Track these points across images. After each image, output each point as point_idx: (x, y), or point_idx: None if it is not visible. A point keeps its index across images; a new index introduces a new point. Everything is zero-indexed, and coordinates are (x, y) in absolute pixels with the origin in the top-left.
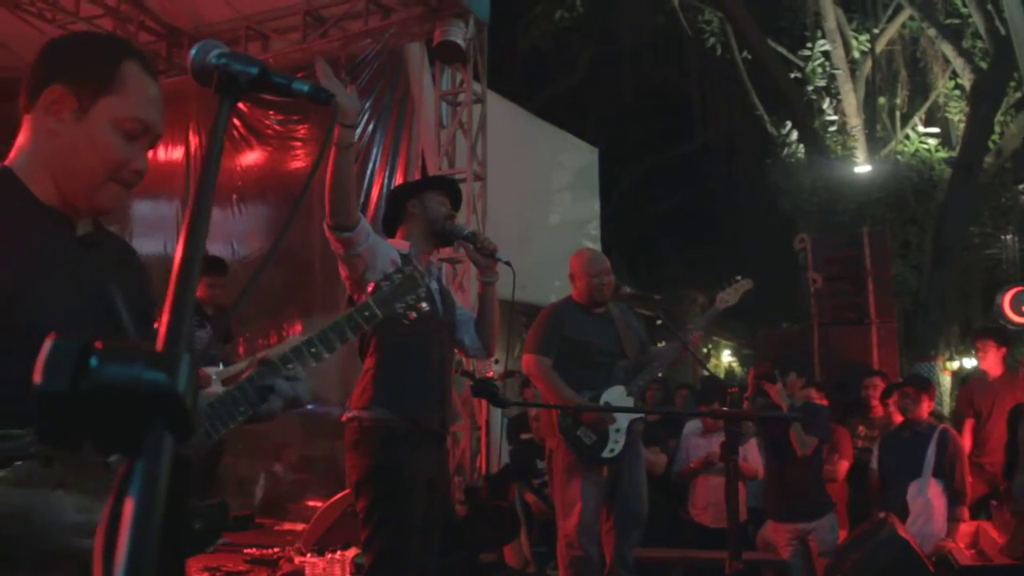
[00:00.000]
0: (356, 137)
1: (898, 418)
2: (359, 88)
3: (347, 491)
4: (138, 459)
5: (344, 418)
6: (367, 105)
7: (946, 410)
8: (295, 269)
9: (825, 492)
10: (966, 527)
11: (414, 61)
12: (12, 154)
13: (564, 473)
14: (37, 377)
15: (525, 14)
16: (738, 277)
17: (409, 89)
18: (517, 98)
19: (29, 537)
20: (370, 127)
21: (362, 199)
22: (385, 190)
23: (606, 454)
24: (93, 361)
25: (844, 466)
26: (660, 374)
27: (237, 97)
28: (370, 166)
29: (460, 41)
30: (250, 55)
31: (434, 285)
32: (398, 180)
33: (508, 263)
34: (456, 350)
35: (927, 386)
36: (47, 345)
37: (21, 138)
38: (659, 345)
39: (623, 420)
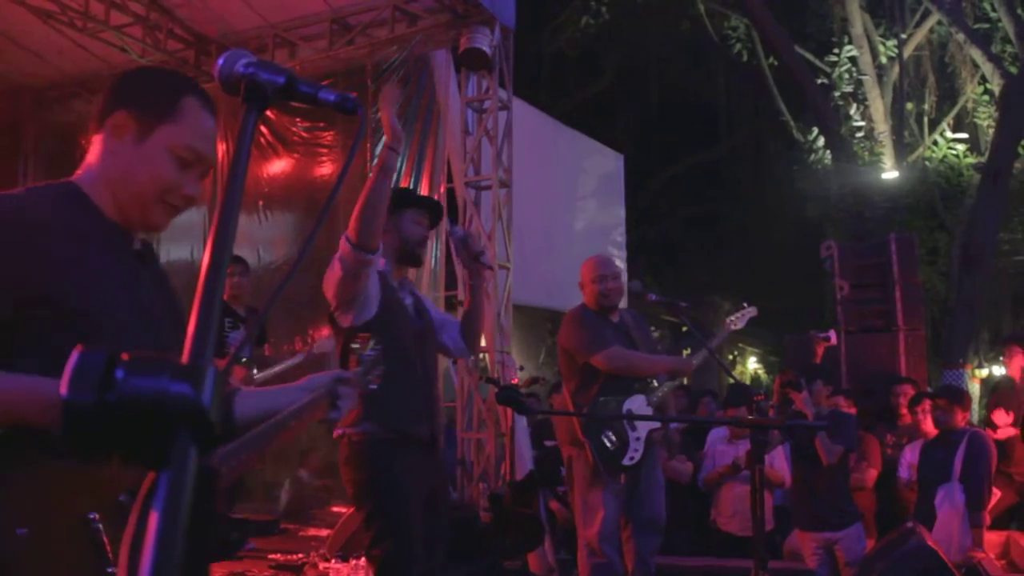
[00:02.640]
0: (381, 149)
1: (927, 426)
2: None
3: None
4: (163, 472)
5: (335, 435)
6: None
7: (975, 418)
8: (321, 275)
9: (852, 502)
10: (996, 537)
11: (440, 68)
12: (79, 171)
13: (584, 481)
14: (63, 389)
15: (551, 21)
16: (744, 304)
17: (435, 96)
18: (543, 105)
19: None
20: None
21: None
22: None
23: (626, 461)
24: (119, 373)
25: (872, 474)
26: (686, 381)
27: (264, 106)
28: (395, 174)
29: (486, 48)
30: (278, 64)
31: (408, 299)
32: (424, 187)
33: (490, 267)
34: (440, 355)
35: (960, 397)
36: (74, 357)
37: (89, 157)
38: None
39: (643, 429)
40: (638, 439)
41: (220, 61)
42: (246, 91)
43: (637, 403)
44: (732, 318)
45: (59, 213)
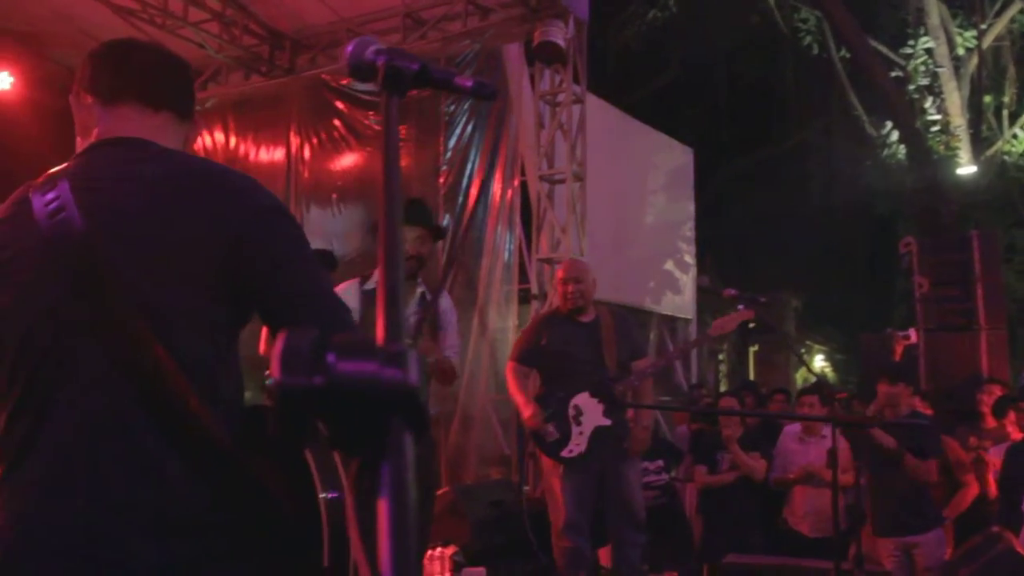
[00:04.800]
0: (454, 142)
1: (1013, 429)
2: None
3: (446, 488)
4: (386, 460)
5: None
6: (465, 107)
7: None
8: None
9: (933, 506)
10: None
11: (512, 62)
12: (157, 137)
13: (545, 474)
14: (275, 372)
15: (617, 14)
16: (740, 306)
17: (508, 90)
18: (610, 99)
19: None
20: (469, 127)
21: (460, 202)
22: (483, 193)
23: (564, 454)
24: (330, 356)
25: (973, 490)
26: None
27: (403, 93)
28: (468, 168)
29: (560, 41)
30: (407, 51)
31: (410, 311)
32: (497, 182)
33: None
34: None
35: None
36: (282, 339)
37: (176, 144)
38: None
39: (588, 425)
40: (581, 434)
41: (349, 48)
42: (385, 78)
43: (582, 399)
44: (720, 320)
45: None
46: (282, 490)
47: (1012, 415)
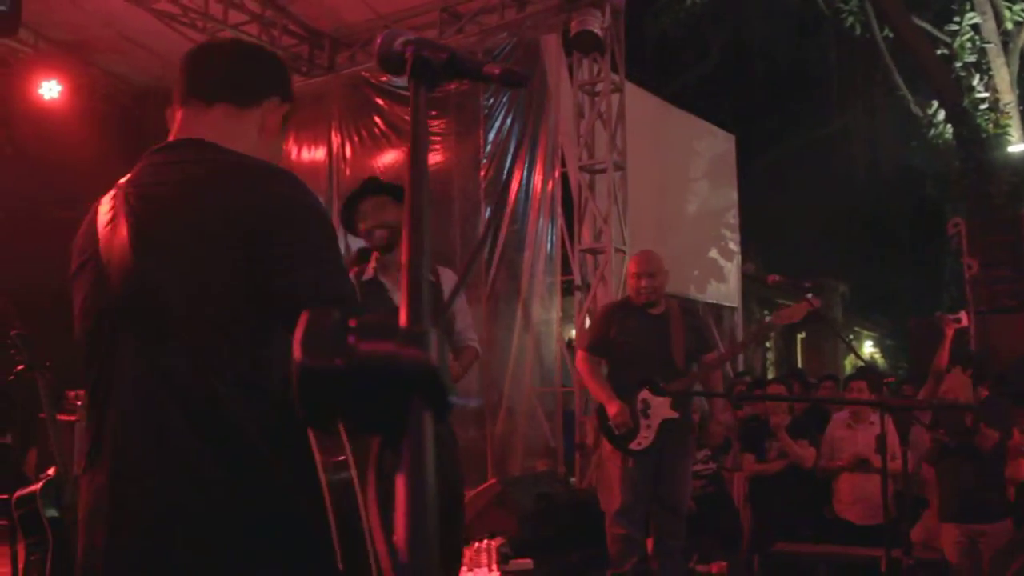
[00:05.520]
0: (494, 135)
1: None
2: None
3: (493, 481)
4: (406, 439)
5: None
6: (504, 99)
7: None
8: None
9: (1004, 494)
10: None
11: (550, 52)
12: (209, 134)
13: (604, 463)
14: (298, 353)
15: (654, 1)
16: (808, 295)
17: (546, 81)
18: (649, 86)
19: None
20: (508, 120)
21: (501, 195)
22: (524, 185)
23: (633, 447)
24: (351, 337)
25: None
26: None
27: (432, 83)
28: (508, 160)
29: (597, 30)
30: (435, 41)
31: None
32: (538, 174)
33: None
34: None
35: None
36: (304, 320)
37: (234, 136)
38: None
39: (655, 418)
40: (649, 427)
41: (378, 40)
42: (413, 68)
43: (649, 392)
44: (786, 311)
45: None
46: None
47: None
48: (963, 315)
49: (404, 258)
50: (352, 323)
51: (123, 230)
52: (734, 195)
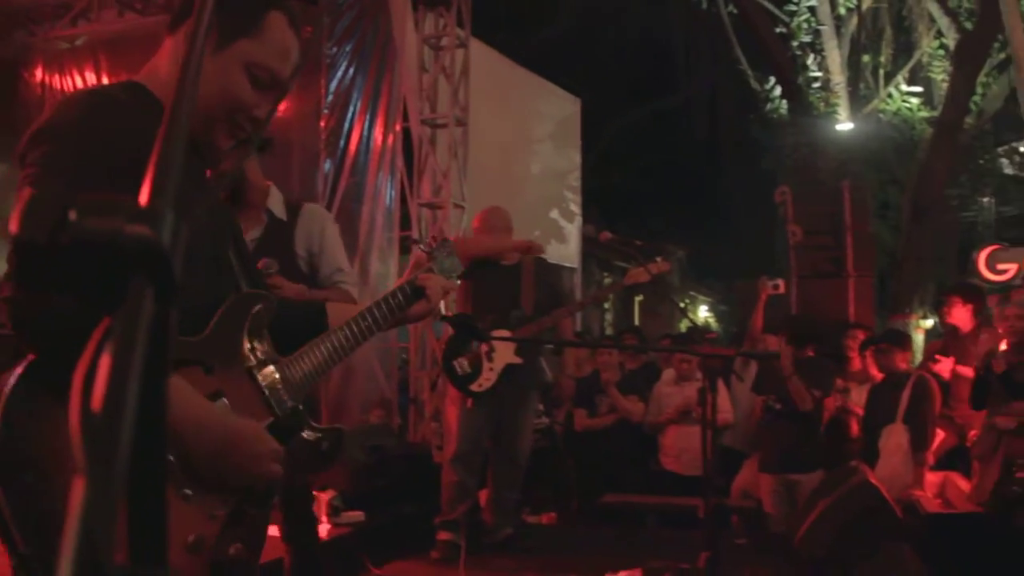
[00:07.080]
0: (335, 85)
1: (874, 371)
2: (340, 31)
3: None
4: (116, 312)
5: None
6: (347, 48)
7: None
8: None
9: (819, 449)
10: (934, 477)
11: (397, 4)
12: (144, 70)
13: (445, 411)
14: (14, 227)
15: None
16: (658, 258)
17: (391, 33)
18: (501, 47)
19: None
20: (351, 71)
21: (342, 145)
22: (365, 136)
23: (474, 387)
24: (72, 214)
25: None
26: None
27: None
28: (350, 111)
29: None
30: None
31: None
32: (379, 126)
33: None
34: None
35: (903, 341)
36: (25, 197)
37: (158, 59)
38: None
39: (499, 362)
40: (491, 370)
41: None
42: None
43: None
44: (635, 271)
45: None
46: None
47: (870, 354)
48: (780, 282)
49: (162, 129)
50: (78, 199)
51: None
52: (577, 158)
